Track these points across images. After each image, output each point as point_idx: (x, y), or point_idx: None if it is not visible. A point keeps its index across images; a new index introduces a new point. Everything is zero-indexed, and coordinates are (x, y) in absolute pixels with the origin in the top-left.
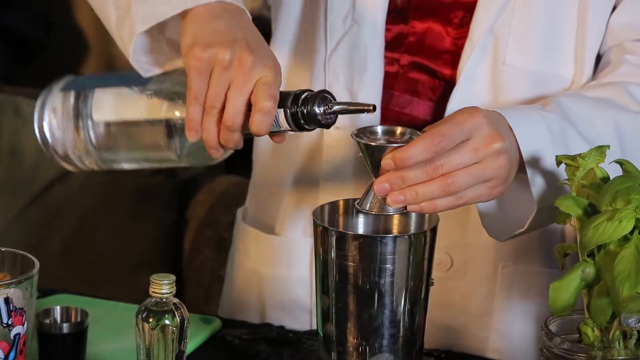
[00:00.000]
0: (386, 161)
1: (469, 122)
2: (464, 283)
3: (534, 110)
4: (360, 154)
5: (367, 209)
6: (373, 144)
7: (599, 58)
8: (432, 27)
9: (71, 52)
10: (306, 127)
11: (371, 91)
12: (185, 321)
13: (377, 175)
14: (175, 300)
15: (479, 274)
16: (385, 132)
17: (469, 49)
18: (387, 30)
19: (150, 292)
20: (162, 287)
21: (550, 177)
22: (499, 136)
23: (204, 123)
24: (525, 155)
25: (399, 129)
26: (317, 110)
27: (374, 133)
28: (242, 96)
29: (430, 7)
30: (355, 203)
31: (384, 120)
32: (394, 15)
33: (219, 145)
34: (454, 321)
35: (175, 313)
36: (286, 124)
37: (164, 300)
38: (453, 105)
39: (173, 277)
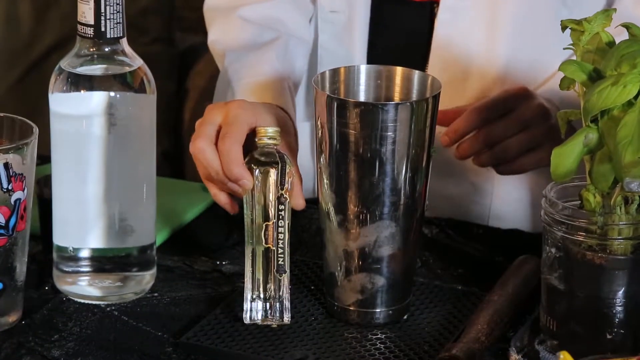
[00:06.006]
0: (443, 137)
1: (509, 94)
2: None
3: None
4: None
5: None
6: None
7: None
8: None
9: None
10: None
11: None
12: (287, 167)
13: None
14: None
15: None
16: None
17: None
18: None
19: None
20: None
21: None
22: (541, 103)
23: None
24: None
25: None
26: None
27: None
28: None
29: None
30: None
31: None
32: None
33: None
34: (456, 190)
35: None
36: None
37: (266, 149)
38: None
39: (278, 129)
